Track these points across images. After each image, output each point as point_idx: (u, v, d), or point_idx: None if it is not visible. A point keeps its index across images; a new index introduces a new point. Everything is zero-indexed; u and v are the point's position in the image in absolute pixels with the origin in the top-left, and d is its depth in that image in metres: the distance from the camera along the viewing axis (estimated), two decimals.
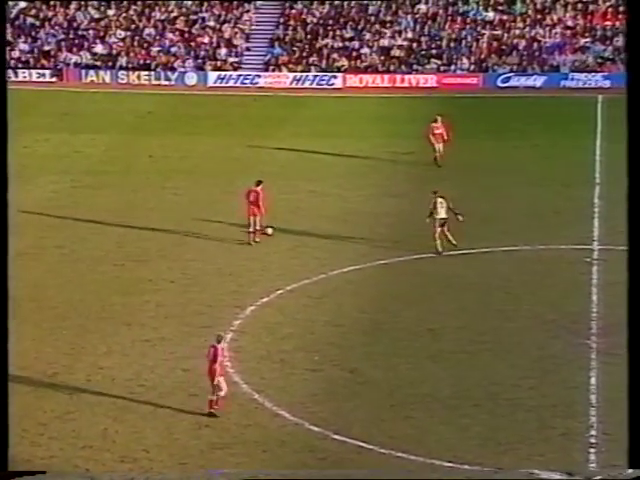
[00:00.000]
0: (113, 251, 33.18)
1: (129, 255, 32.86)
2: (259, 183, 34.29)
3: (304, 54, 61.31)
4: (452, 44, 60.91)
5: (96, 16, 63.35)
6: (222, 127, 49.69)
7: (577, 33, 60.68)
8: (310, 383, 24.39)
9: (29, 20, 63.15)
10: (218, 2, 64.11)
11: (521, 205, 37.26)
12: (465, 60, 59.92)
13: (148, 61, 61.38)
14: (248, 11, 64.04)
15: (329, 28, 62.45)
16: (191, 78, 60.16)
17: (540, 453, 21.16)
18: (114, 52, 61.90)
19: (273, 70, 60.57)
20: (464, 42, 60.93)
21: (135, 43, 62.32)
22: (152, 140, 47.13)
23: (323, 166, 42.99)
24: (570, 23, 61.16)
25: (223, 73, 60.24)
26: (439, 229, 32.31)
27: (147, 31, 62.82)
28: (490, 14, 62.11)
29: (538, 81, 57.99)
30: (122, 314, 28.41)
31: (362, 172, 42.16)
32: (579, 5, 61.86)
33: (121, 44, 62.22)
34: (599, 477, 19.92)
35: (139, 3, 63.94)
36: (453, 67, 59.84)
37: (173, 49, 62.03)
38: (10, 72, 56.64)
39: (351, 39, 61.73)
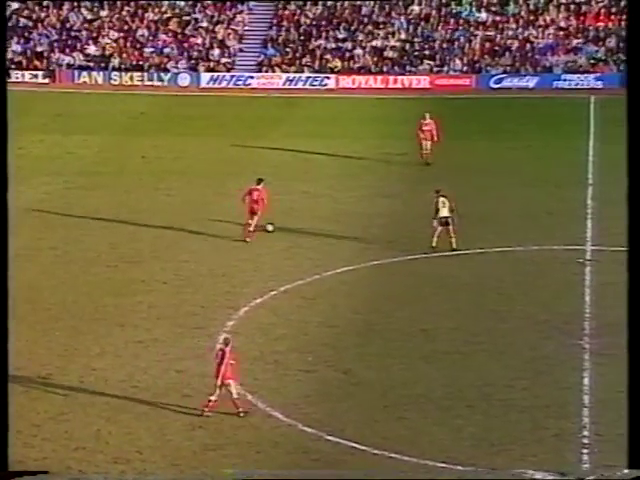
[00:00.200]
0: (106, 252, 33.16)
1: (122, 256, 32.85)
2: (260, 181, 34.39)
3: (297, 55, 61.34)
4: (445, 45, 60.99)
5: (89, 17, 63.32)
6: (215, 128, 49.69)
7: (570, 34, 60.78)
8: (304, 384, 24.40)
9: (22, 21, 63.08)
10: (211, 3, 64.12)
11: (514, 206, 37.31)
12: (458, 61, 59.98)
13: (141, 62, 61.37)
14: (241, 12, 64.05)
15: (322, 29, 62.48)
16: (184, 79, 60.16)
17: (533, 454, 21.19)
18: (107, 53, 61.86)
19: (266, 71, 60.59)
20: (457, 43, 61.00)
21: (128, 44, 62.29)
22: (145, 141, 47.11)
23: (316, 167, 43.02)
24: (563, 24, 61.26)
25: (216, 74, 60.25)
26: (440, 228, 32.42)
27: (140, 32, 62.79)
28: (483, 15, 62.19)
29: (531, 82, 58.09)
30: (115, 315, 28.39)
31: (355, 173, 42.18)
32: (572, 6, 61.96)
33: (114, 45, 62.19)
34: (592, 477, 19.98)
35: (132, 4, 63.91)
36: (446, 68, 59.90)
37: (166, 50, 62.02)
38: None
39: (344, 40, 61.76)
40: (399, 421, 22.61)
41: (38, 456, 21.34)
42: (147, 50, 62.00)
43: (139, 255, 32.95)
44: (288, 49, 61.73)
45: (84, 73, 60.15)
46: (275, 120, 51.01)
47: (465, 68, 59.70)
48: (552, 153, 43.97)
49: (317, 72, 60.01)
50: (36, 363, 25.42)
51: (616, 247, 32.43)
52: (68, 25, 63.09)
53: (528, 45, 60.36)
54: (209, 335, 26.98)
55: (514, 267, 31.59)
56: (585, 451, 21.29)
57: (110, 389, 24.25)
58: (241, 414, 22.80)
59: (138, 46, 62.26)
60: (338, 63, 60.54)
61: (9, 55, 60.39)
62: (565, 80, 57.89)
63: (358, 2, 63.48)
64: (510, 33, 61.14)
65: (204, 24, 63.35)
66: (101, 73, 60.14)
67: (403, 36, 61.73)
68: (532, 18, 61.64)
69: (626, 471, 19.23)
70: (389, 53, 60.95)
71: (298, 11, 63.67)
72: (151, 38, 62.63)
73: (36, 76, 59.74)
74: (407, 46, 61.25)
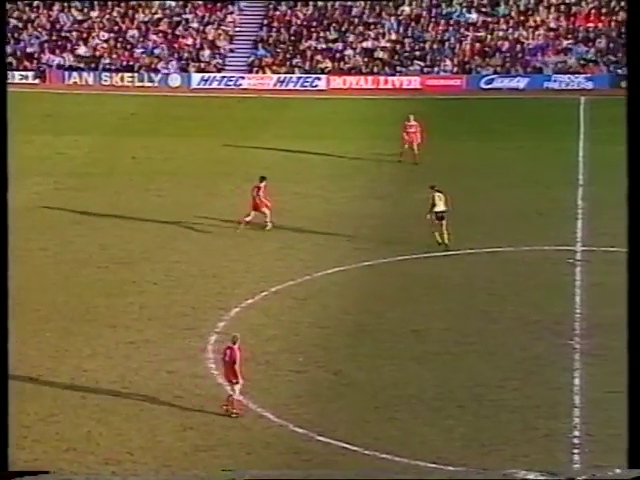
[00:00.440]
0: (97, 253, 33.11)
1: (113, 257, 32.80)
2: (263, 179, 34.84)
3: (288, 56, 61.34)
4: (435, 46, 61.04)
5: (79, 18, 63.23)
6: (206, 129, 49.65)
7: (560, 35, 60.88)
8: (295, 385, 24.39)
9: (12, 22, 63.00)
10: (201, 4, 64.08)
11: (505, 206, 37.35)
12: (448, 62, 60.04)
13: (131, 63, 61.30)
14: (232, 13, 64.03)
15: (313, 30, 62.49)
16: (175, 80, 60.10)
17: (524, 454, 21.22)
18: (97, 54, 61.79)
19: (257, 72, 60.56)
20: (447, 44, 61.06)
21: (118, 45, 62.23)
22: (135, 142, 47.05)
23: (307, 168, 43.02)
24: (553, 25, 61.35)
25: (207, 75, 60.20)
26: (437, 222, 32.66)
27: (130, 33, 62.73)
28: (473, 16, 62.26)
29: (521, 83, 58.15)
30: (106, 316, 28.36)
31: (346, 173, 42.19)
32: (562, 7, 62.07)
33: (104, 46, 62.12)
34: (584, 477, 19.99)
35: (122, 5, 63.85)
36: (436, 69, 59.95)
37: (156, 51, 61.96)
38: None
39: (335, 41, 61.78)
40: (390, 422, 22.63)
41: (28, 457, 21.30)
42: (137, 51, 61.95)
43: (130, 256, 32.91)
44: (279, 50, 61.73)
45: (74, 74, 60.06)
46: (266, 121, 50.99)
47: (455, 69, 59.75)
48: (542, 154, 44.03)
49: (308, 73, 60.01)
50: (26, 364, 25.36)
51: (606, 247, 32.49)
52: (58, 26, 62.99)
53: (518, 46, 60.43)
54: (200, 336, 26.97)
55: (504, 268, 31.62)
56: (576, 451, 21.33)
57: (101, 390, 24.22)
58: (233, 415, 22.80)
59: (128, 47, 62.20)
60: (329, 64, 60.55)
61: None
62: (555, 81, 57.96)
63: (349, 3, 63.51)
64: (500, 34, 61.21)
65: (194, 25, 63.32)
66: (91, 74, 60.05)
67: (394, 37, 61.77)
68: (522, 19, 61.71)
69: (618, 471, 19.25)
70: (380, 54, 60.98)
71: (289, 12, 63.68)
72: (141, 39, 62.57)
73: (26, 77, 59.63)
74: (398, 47, 61.29)
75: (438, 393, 23.84)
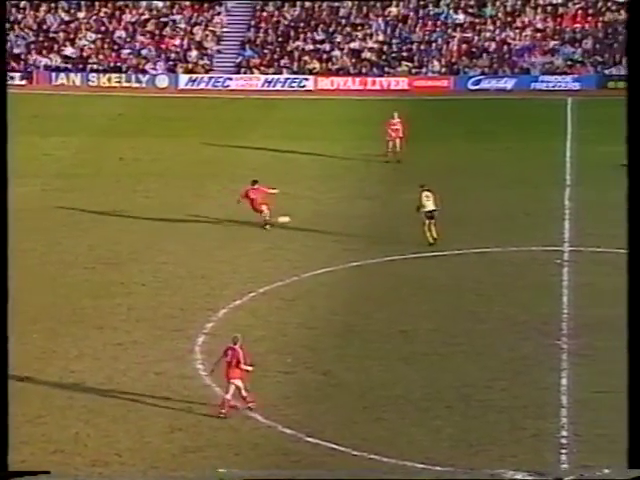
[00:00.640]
0: (84, 254, 33.06)
1: (100, 258, 32.76)
2: (255, 182, 35.21)
3: (275, 56, 61.33)
4: (423, 47, 61.11)
5: (66, 19, 63.13)
6: (194, 129, 49.61)
7: (547, 36, 61.02)
8: (283, 386, 24.39)
9: None
10: (189, 4, 64.02)
11: (492, 207, 37.42)
12: (436, 63, 60.12)
13: (119, 63, 61.22)
14: (219, 13, 63.99)
15: (300, 30, 62.50)
16: (162, 80, 60.05)
17: (512, 454, 21.25)
18: (84, 55, 61.68)
19: (245, 72, 60.56)
20: (435, 45, 61.14)
21: (106, 45, 62.14)
22: (123, 143, 46.99)
23: (295, 168, 43.02)
24: (540, 26, 61.48)
25: (194, 75, 60.17)
26: (427, 221, 32.76)
27: (118, 33, 62.64)
28: (460, 17, 62.35)
29: (508, 83, 58.26)
30: (93, 317, 28.31)
31: (335, 174, 42.22)
32: (548, 8, 62.20)
33: (91, 46, 62.02)
34: (571, 477, 20.05)
35: (109, 5, 63.75)
36: (424, 70, 60.02)
37: (144, 51, 61.89)
38: None
39: (322, 42, 61.80)
40: (378, 422, 22.64)
41: (16, 459, 21.17)
42: (125, 52, 61.87)
43: (117, 257, 32.87)
44: (266, 51, 61.72)
45: (62, 75, 59.96)
46: (254, 122, 50.97)
47: (443, 69, 59.84)
48: (530, 154, 44.12)
49: (296, 73, 60.02)
50: (13, 365, 25.26)
51: (593, 248, 32.58)
52: (45, 27, 62.88)
53: (505, 47, 60.55)
54: (188, 337, 26.95)
55: (492, 268, 31.67)
56: (563, 451, 21.37)
57: (89, 391, 24.17)
58: (222, 415, 22.79)
59: (116, 47, 62.12)
60: (316, 65, 60.57)
61: None
62: (542, 81, 58.09)
63: (336, 4, 63.54)
64: (487, 35, 61.32)
65: (182, 25, 63.26)
66: (79, 75, 59.96)
67: (381, 38, 61.83)
68: (509, 20, 61.84)
69: (606, 471, 19.29)
70: (367, 55, 61.04)
71: (276, 12, 63.67)
72: (129, 40, 62.49)
73: (13, 78, 59.45)
74: (385, 48, 61.35)
75: (426, 393, 23.86)
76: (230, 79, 59.85)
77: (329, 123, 51.03)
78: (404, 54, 60.88)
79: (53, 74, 60.07)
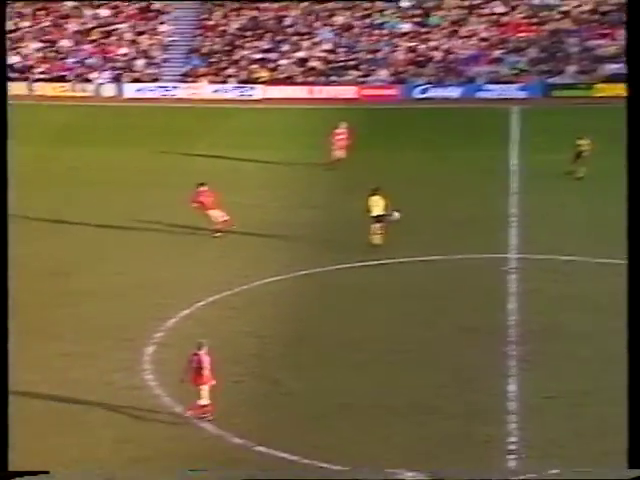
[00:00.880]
0: (32, 264, 32.81)
1: (48, 268, 32.54)
2: (201, 185, 35.54)
3: (223, 65, 61.30)
4: (370, 56, 61.41)
5: (10, 27, 62.63)
6: (140, 139, 49.43)
7: (492, 45, 61.57)
8: (232, 395, 24.35)
9: None
10: (134, 13, 63.81)
11: (439, 215, 37.66)
12: (383, 72, 60.43)
13: (64, 73, 60.84)
14: (165, 22, 63.85)
15: (247, 39, 62.53)
16: (108, 90, 59.77)
17: (461, 460, 21.38)
18: (29, 64, 61.22)
19: (192, 81, 60.45)
20: (382, 54, 61.45)
21: (50, 55, 61.73)
22: (70, 152, 46.72)
23: (243, 177, 43.02)
24: (484, 35, 62.03)
25: (141, 84, 59.97)
26: (376, 225, 33.24)
27: (62, 43, 62.26)
28: (406, 26, 62.74)
29: (455, 92, 58.71)
30: (42, 328, 28.10)
31: (282, 183, 42.29)
32: (492, 17, 62.77)
33: (36, 56, 61.58)
34: (522, 477, 20.22)
35: (54, 14, 63.35)
36: (372, 78, 60.30)
37: (89, 61, 61.57)
38: None
39: (269, 50, 61.88)
40: (328, 430, 22.69)
41: None
42: (70, 61, 61.50)
43: (66, 267, 32.67)
44: (213, 59, 61.67)
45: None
46: (201, 131, 50.90)
47: (390, 78, 60.16)
48: (476, 163, 44.47)
49: (243, 82, 60.04)
50: None
51: (539, 255, 32.92)
52: None
53: (451, 56, 61.02)
54: (137, 347, 26.84)
55: (440, 276, 31.88)
56: (512, 457, 21.54)
57: (37, 403, 23.99)
58: (208, 418, 22.77)
59: (61, 57, 61.73)
60: (264, 73, 60.63)
61: None
62: (488, 90, 58.60)
63: (282, 13, 63.65)
64: (433, 44, 61.75)
65: (128, 35, 63.03)
66: (23, 84, 59.50)
67: (328, 47, 62.03)
68: (454, 29, 62.33)
69: (554, 471, 19.48)
70: (314, 63, 61.20)
71: (223, 21, 63.65)
72: (74, 49, 62.13)
73: None
74: (332, 56, 61.55)
75: (376, 401, 23.96)
76: (177, 88, 59.73)
77: (277, 132, 51.09)
78: (351, 63, 61.13)
79: None
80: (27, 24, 62.89)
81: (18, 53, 61.46)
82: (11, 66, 60.92)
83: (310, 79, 60.18)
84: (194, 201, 35.36)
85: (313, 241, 35.06)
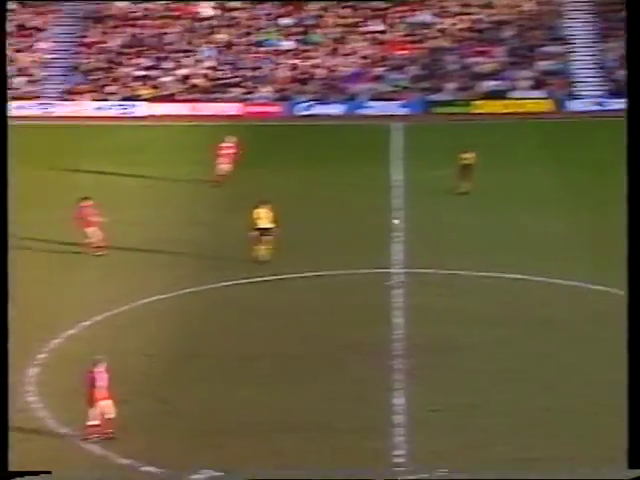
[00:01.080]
0: None
1: None
2: (85, 199, 35.19)
3: (104, 82, 60.74)
4: (252, 73, 61.55)
5: None
6: (20, 156, 48.48)
7: (373, 62, 62.29)
8: (119, 415, 24.07)
9: None
10: (12, 30, 62.80)
11: (323, 232, 37.90)
12: (266, 89, 60.61)
13: None
14: (44, 40, 62.99)
15: (128, 56, 62.10)
16: None
17: (351, 475, 21.51)
18: None
19: (73, 99, 59.73)
20: (264, 71, 61.65)
21: None
22: None
23: (126, 195, 42.66)
24: (365, 52, 62.73)
25: (21, 102, 58.99)
26: (260, 238, 33.52)
27: None
28: (288, 43, 63.08)
29: (337, 109, 59.21)
30: None
31: (165, 200, 42.06)
32: (371, 35, 63.49)
33: None
34: (412, 477, 20.43)
35: None
36: (255, 95, 60.43)
37: None
38: None
39: (151, 68, 61.55)
40: (218, 448, 22.59)
41: None
42: None
43: None
44: (95, 76, 61.06)
45: None
46: (83, 148, 50.32)
47: (274, 95, 60.37)
48: (358, 179, 44.87)
49: (126, 99, 59.57)
50: None
51: (423, 269, 33.39)
52: None
53: (333, 73, 61.54)
54: (18, 369, 26.31)
55: (325, 292, 32.06)
56: (401, 469, 21.76)
57: None
58: (109, 436, 22.47)
59: None
60: (146, 90, 60.27)
61: None
62: (370, 107, 59.23)
63: (162, 30, 63.41)
64: (315, 62, 62.20)
65: (7, 52, 62.01)
66: None
67: (210, 64, 61.99)
68: (335, 47, 62.88)
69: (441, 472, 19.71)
70: (197, 80, 61.08)
71: (103, 38, 63.09)
72: None
73: None
74: (215, 74, 61.52)
75: (267, 418, 23.95)
76: (58, 105, 58.93)
77: (160, 149, 50.81)
78: (234, 80, 61.18)
79: None
80: None
81: None
82: None
83: (193, 96, 60.02)
84: (76, 217, 34.95)
85: (198, 258, 34.94)
